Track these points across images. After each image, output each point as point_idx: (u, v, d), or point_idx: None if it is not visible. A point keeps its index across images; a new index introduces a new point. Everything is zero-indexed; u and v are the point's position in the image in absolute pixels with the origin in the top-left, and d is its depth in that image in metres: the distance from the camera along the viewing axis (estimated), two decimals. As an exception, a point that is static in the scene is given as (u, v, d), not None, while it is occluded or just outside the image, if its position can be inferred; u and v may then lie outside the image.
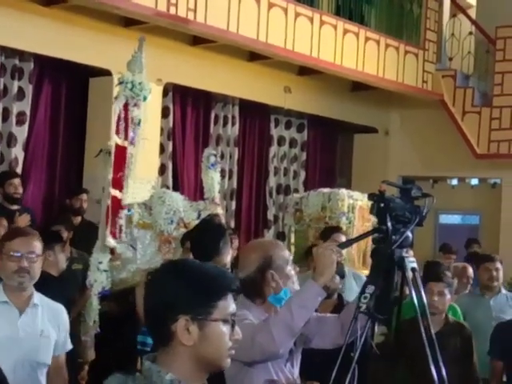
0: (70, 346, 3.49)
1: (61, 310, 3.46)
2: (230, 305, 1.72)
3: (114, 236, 4.59)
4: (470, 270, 6.19)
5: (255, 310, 2.71)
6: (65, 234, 5.42)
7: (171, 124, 8.01)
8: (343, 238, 4.79)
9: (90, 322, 4.51)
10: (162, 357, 1.71)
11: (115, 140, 4.55)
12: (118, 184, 4.56)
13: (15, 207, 6.06)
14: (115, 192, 4.56)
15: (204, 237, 3.76)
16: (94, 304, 4.57)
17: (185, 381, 1.68)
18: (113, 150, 4.53)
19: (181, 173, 8.11)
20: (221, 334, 1.69)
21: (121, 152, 4.55)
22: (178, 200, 4.87)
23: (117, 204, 4.59)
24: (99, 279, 4.58)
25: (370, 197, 2.73)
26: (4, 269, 3.28)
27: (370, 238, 2.89)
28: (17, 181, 6.16)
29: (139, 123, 4.60)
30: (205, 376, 1.74)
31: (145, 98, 4.62)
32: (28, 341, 3.25)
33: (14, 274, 3.25)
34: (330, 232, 5.22)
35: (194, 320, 1.67)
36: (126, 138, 4.56)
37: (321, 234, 5.46)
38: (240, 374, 2.62)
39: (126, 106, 4.56)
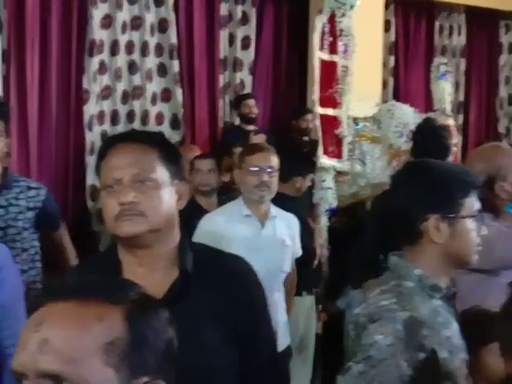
0: (299, 252, 3.61)
1: (293, 219, 3.56)
2: (475, 202, 1.78)
3: (330, 154, 4.57)
4: None
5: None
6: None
7: (393, 38, 7.80)
8: None
9: (320, 240, 4.58)
10: (409, 255, 1.79)
11: (319, 56, 4.44)
12: (330, 101, 4.48)
13: (251, 127, 6.30)
14: (325, 110, 4.50)
15: (429, 138, 3.65)
16: (323, 222, 4.64)
17: (432, 276, 1.76)
18: (317, 67, 4.44)
19: (404, 87, 7.91)
20: (470, 230, 1.76)
21: (328, 67, 4.45)
22: (407, 112, 4.75)
23: (330, 122, 4.54)
24: (324, 197, 4.62)
25: None
26: (244, 183, 3.41)
27: None
28: (251, 101, 6.40)
29: (349, 34, 4.46)
30: (451, 272, 1.82)
31: (351, 7, 4.47)
32: (272, 251, 3.40)
33: (255, 188, 3.38)
34: None
35: (444, 218, 1.74)
36: (334, 51, 4.44)
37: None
38: (481, 284, 2.54)
39: (331, 18, 4.43)
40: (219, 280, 1.79)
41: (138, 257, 1.75)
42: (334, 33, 4.38)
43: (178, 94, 6.29)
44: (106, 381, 0.99)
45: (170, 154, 1.79)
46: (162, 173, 1.74)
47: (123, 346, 1.01)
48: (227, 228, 3.36)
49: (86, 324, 1.00)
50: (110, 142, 1.80)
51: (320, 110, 4.43)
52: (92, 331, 1.00)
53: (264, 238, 3.43)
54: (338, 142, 4.56)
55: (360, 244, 3.94)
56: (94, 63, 5.75)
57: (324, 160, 4.53)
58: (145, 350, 1.03)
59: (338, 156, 4.57)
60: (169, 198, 1.75)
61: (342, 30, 4.37)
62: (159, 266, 1.74)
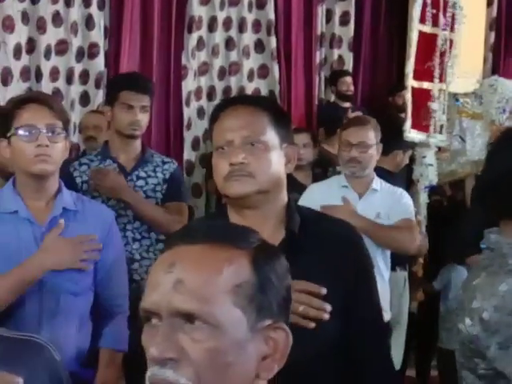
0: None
1: (399, 194, 3.55)
2: None
3: (420, 129, 4.49)
4: None
5: None
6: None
7: (495, 13, 7.58)
8: None
9: (420, 217, 4.52)
10: (508, 230, 1.68)
11: (419, 28, 4.36)
12: (426, 74, 4.40)
13: (347, 105, 6.27)
14: (420, 84, 4.42)
15: None
16: (422, 198, 4.58)
17: None
18: (415, 40, 4.36)
19: (503, 64, 7.69)
20: None
21: (428, 40, 4.37)
22: (510, 87, 4.62)
23: (423, 95, 4.46)
24: (425, 173, 4.56)
25: None
26: (340, 157, 3.48)
27: None
28: (349, 79, 6.39)
29: (456, 6, 4.36)
30: None
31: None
32: None
33: (347, 163, 3.43)
34: None
35: None
36: (436, 24, 4.35)
37: None
38: None
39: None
40: (325, 244, 1.80)
41: (246, 217, 1.79)
42: (437, 5, 4.30)
43: (275, 70, 6.30)
44: (235, 321, 1.03)
45: (280, 118, 1.82)
46: (271, 136, 1.78)
47: (250, 289, 1.05)
48: (324, 198, 3.40)
49: (217, 266, 1.04)
50: (222, 105, 1.85)
51: (414, 83, 4.38)
52: (223, 273, 1.04)
53: (359, 209, 3.45)
54: (429, 116, 4.49)
55: (462, 221, 3.89)
56: (192, 39, 5.83)
57: (412, 134, 4.47)
58: (269, 293, 1.06)
59: (427, 130, 4.50)
60: (277, 160, 1.79)
61: (447, 2, 4.29)
62: (266, 226, 1.78)
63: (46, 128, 2.38)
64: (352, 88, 6.41)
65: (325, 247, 1.80)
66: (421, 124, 4.42)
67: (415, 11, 4.33)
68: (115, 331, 2.58)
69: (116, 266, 2.57)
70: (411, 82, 4.37)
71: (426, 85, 4.38)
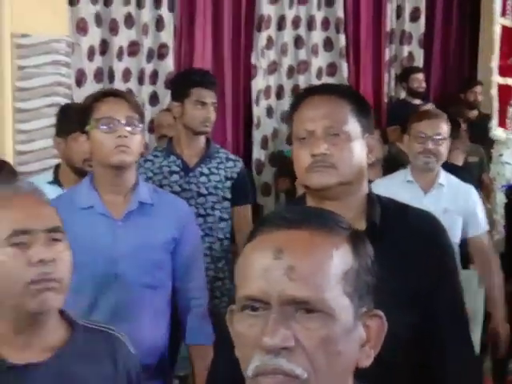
0: (484, 228, 3.51)
1: (466, 190, 3.48)
2: None
3: (506, 126, 4.39)
4: None
5: None
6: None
7: None
8: None
9: (497, 216, 4.42)
10: None
11: (501, 22, 4.26)
12: (511, 70, 4.29)
13: (418, 102, 6.20)
14: (505, 80, 4.31)
15: None
16: (499, 198, 4.48)
17: None
18: (498, 33, 4.26)
19: None
20: None
21: (510, 34, 4.26)
22: None
23: (508, 92, 4.35)
24: (501, 172, 4.46)
25: None
26: (411, 149, 3.42)
27: None
28: (420, 75, 6.35)
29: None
30: None
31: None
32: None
33: (420, 155, 3.37)
34: None
35: None
36: None
37: None
38: None
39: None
40: (407, 236, 1.77)
41: (326, 208, 1.76)
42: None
43: (344, 68, 6.27)
44: (345, 309, 1.00)
45: (362, 108, 1.79)
46: (353, 126, 1.75)
47: (353, 275, 1.02)
48: (387, 192, 3.35)
49: (327, 252, 1.01)
50: (303, 95, 1.82)
51: (499, 79, 4.26)
52: (333, 259, 1.01)
53: (424, 206, 3.38)
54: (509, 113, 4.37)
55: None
56: (261, 38, 5.84)
57: (499, 132, 4.36)
58: (366, 279, 1.04)
59: (508, 127, 4.39)
60: (359, 151, 1.76)
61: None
62: (347, 217, 1.73)
63: (124, 120, 2.41)
64: (424, 85, 6.34)
65: (407, 241, 1.76)
66: (505, 121, 4.32)
67: (496, 5, 4.22)
68: (197, 326, 2.58)
69: (193, 259, 2.58)
70: (496, 78, 4.27)
71: (510, 81, 4.27)
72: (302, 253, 1.00)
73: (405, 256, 1.74)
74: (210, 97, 3.38)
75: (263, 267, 0.99)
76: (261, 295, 0.99)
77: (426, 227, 1.82)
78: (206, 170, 3.37)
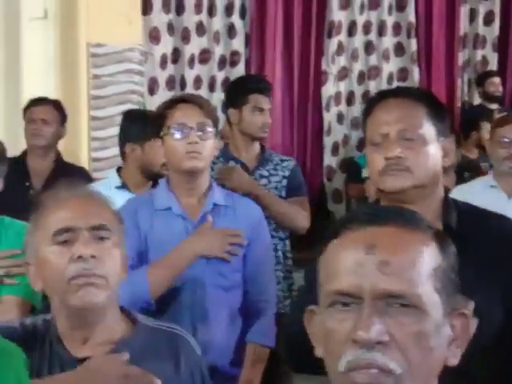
0: None
1: None
2: None
3: None
4: None
5: None
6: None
7: None
8: None
9: None
10: None
11: None
12: None
13: (494, 106, 6.09)
14: None
15: None
16: None
17: None
18: None
19: None
20: None
21: None
22: None
23: None
24: None
25: None
26: (495, 155, 3.39)
27: None
28: (497, 79, 6.24)
29: None
30: None
31: None
32: None
33: (505, 160, 3.35)
34: None
35: None
36: None
37: None
38: None
39: None
40: (489, 240, 1.74)
41: None
42: None
43: (415, 73, 6.19)
44: (435, 305, 1.00)
45: (438, 111, 1.77)
46: (428, 129, 1.74)
47: (441, 273, 1.03)
48: (467, 199, 3.31)
49: (419, 248, 1.02)
50: (377, 98, 1.82)
51: None
52: (424, 255, 1.01)
53: (509, 210, 3.32)
54: None
55: None
56: (332, 44, 5.82)
57: None
58: (452, 277, 1.04)
59: None
60: (434, 154, 1.75)
61: None
62: (422, 222, 1.73)
63: (196, 126, 2.46)
64: (500, 89, 6.24)
65: (489, 245, 1.73)
66: None
67: None
68: (264, 326, 2.59)
69: (264, 262, 2.61)
70: None
71: None
72: (394, 248, 1.00)
73: (488, 260, 1.72)
74: (266, 103, 3.48)
75: (355, 262, 1.00)
76: (353, 289, 0.99)
77: (505, 232, 1.79)
78: (265, 173, 3.45)
